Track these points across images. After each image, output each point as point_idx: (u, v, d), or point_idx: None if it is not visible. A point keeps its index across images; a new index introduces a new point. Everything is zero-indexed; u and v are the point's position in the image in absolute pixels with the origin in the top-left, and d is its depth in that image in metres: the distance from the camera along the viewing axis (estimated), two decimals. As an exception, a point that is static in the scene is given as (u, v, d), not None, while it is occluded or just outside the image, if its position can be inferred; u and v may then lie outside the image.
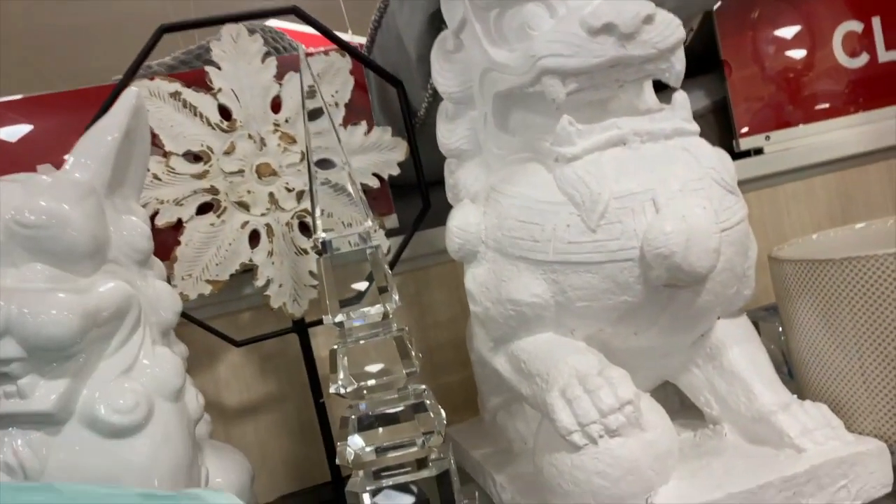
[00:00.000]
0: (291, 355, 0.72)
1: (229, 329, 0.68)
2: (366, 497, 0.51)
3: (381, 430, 0.53)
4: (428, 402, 0.54)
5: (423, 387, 0.56)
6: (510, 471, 0.57)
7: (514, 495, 0.53)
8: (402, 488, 0.52)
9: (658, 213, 0.45)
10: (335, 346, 0.53)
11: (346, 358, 0.53)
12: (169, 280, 0.63)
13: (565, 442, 0.44)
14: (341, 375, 0.53)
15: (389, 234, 0.72)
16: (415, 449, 0.52)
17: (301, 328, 0.67)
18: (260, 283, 0.65)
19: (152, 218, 0.63)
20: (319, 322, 0.67)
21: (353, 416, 0.53)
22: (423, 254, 0.77)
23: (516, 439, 0.60)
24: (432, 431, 0.53)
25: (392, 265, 0.69)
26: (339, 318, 0.53)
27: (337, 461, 0.52)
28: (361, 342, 0.54)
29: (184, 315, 0.65)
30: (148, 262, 0.51)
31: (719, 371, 0.52)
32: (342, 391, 0.52)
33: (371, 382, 0.53)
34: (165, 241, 0.64)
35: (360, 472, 0.55)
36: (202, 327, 0.65)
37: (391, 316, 0.55)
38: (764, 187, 0.87)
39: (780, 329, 0.64)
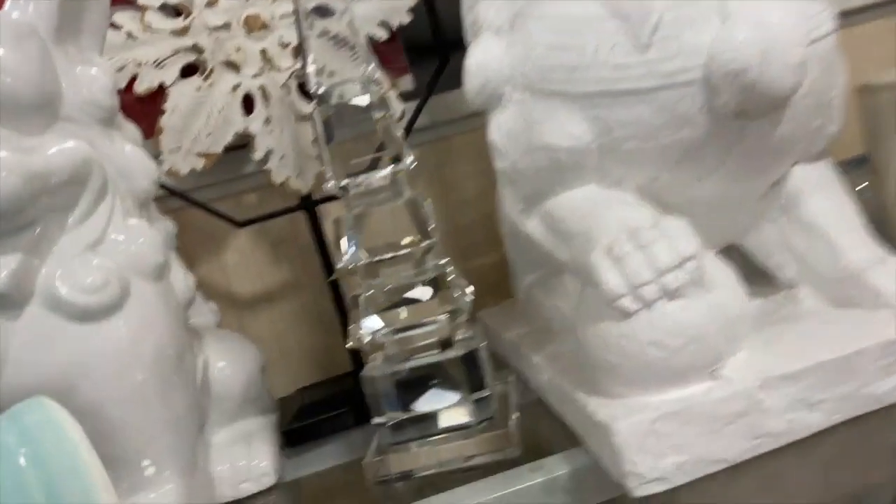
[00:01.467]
0: (303, 239, 0.65)
1: (234, 212, 0.61)
2: (383, 381, 0.46)
3: (397, 309, 0.46)
4: (450, 276, 0.47)
5: (445, 260, 0.49)
6: (548, 350, 0.50)
7: (552, 375, 0.46)
8: (424, 371, 0.46)
9: (726, 21, 0.36)
10: (339, 217, 0.46)
11: (352, 229, 0.46)
12: (157, 156, 0.56)
13: (612, 308, 0.37)
14: (348, 249, 0.46)
15: (404, 97, 0.63)
16: (436, 328, 0.46)
17: (309, 205, 0.61)
18: (258, 154, 0.57)
19: (131, 83, 0.56)
20: (330, 199, 0.60)
21: (365, 295, 0.46)
22: (444, 120, 0.68)
23: (554, 317, 0.53)
24: (457, 309, 0.46)
25: (407, 132, 0.61)
26: (344, 181, 0.46)
27: (348, 344, 0.46)
28: (370, 209, 0.46)
29: (179, 195, 0.58)
30: (113, 121, 0.44)
31: (797, 224, 0.44)
32: (351, 267, 0.46)
33: (384, 256, 0.46)
34: (150, 111, 0.57)
35: (378, 357, 0.49)
36: (198, 207, 0.58)
37: (404, 179, 0.47)
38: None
39: (868, 185, 0.55)
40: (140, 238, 0.41)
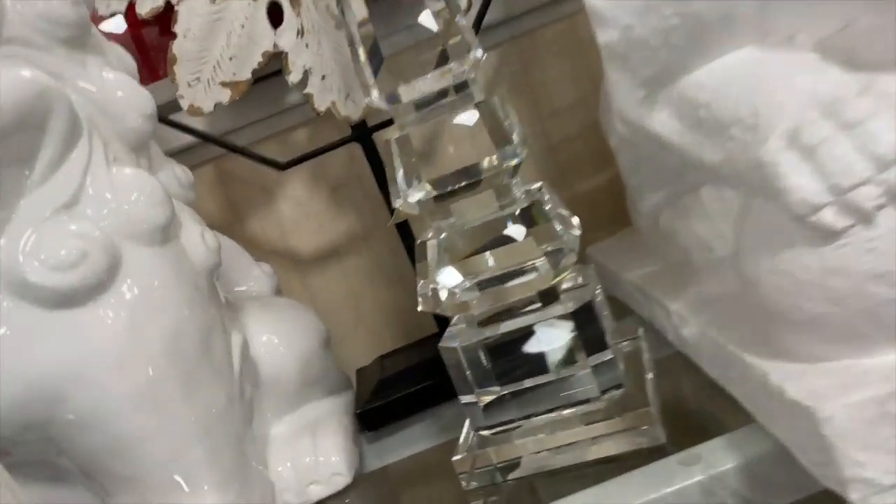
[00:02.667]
0: (368, 179, 0.55)
1: (281, 154, 0.52)
2: (469, 351, 0.35)
3: (480, 255, 0.35)
4: (547, 205, 0.35)
5: (538, 185, 0.37)
6: (690, 295, 0.38)
7: (703, 329, 0.34)
8: (524, 334, 0.35)
9: None
10: (390, 139, 0.35)
11: (408, 153, 0.35)
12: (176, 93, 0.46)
13: (806, 228, 0.24)
14: (405, 179, 0.35)
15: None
16: (534, 276, 0.34)
17: (363, 134, 0.50)
18: (294, 76, 0.47)
19: (131, 7, 0.46)
20: (387, 123, 0.49)
21: (436, 240, 0.36)
22: (523, 10, 0.55)
23: (693, 247, 0.40)
24: (560, 248, 0.35)
25: (477, 27, 0.49)
26: (395, 88, 0.34)
27: (420, 307, 0.36)
28: (432, 125, 0.35)
29: (204, 137, 0.49)
30: (85, 42, 0.34)
31: None
32: (411, 200, 0.35)
33: (455, 186, 0.35)
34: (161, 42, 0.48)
35: (461, 320, 0.38)
36: (231, 150, 0.49)
37: (476, 81, 0.35)
38: None
39: None
40: (133, 192, 0.32)
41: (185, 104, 0.46)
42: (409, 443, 0.44)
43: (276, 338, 0.41)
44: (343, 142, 0.48)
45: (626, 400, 0.34)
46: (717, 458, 0.30)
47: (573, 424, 0.34)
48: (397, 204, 0.35)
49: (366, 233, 0.59)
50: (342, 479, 0.40)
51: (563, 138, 0.59)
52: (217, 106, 0.47)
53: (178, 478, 0.32)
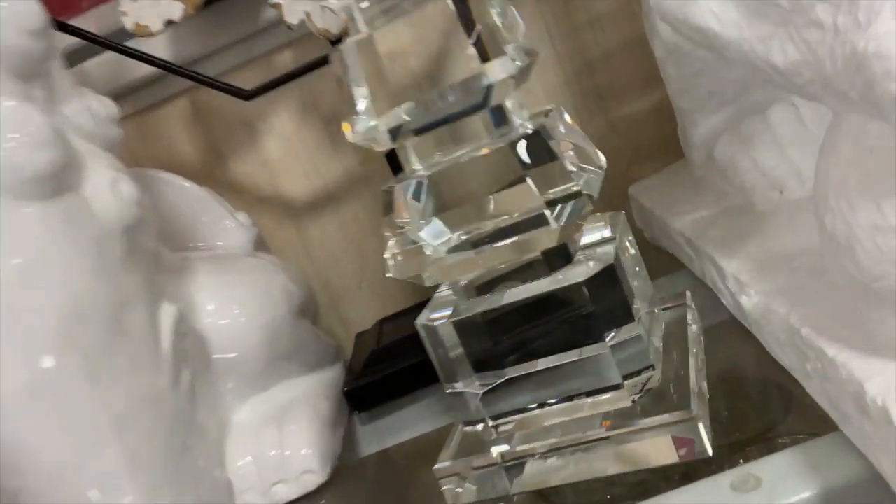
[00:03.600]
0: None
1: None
2: (458, 330, 0.28)
3: (472, 203, 0.27)
4: (559, 134, 0.27)
5: (548, 108, 0.28)
6: (752, 251, 0.29)
7: (768, 301, 0.26)
8: (527, 306, 0.27)
9: None
10: (341, 47, 0.27)
11: (373, 59, 0.27)
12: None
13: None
14: (368, 97, 0.27)
15: None
16: (542, 230, 0.26)
17: (347, 53, 0.41)
18: (258, -17, 0.39)
19: None
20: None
21: (413, 183, 0.28)
22: None
23: (758, 186, 0.32)
24: (575, 193, 0.26)
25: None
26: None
27: (390, 272, 0.28)
28: (397, 21, 0.27)
29: (157, 64, 0.41)
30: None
31: None
32: (376, 128, 0.27)
33: (434, 101, 0.27)
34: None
35: (448, 290, 0.31)
36: (187, 77, 0.41)
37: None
38: None
39: None
40: (8, 132, 0.25)
41: (128, 22, 0.39)
42: (409, 424, 0.38)
43: (232, 306, 0.34)
44: (320, 62, 0.40)
45: (662, 392, 0.26)
46: (785, 483, 0.22)
47: (590, 425, 0.27)
48: (354, 135, 0.27)
49: (366, 173, 0.51)
50: (314, 478, 0.33)
51: (602, 54, 0.49)
52: (169, 24, 0.39)
53: (89, 489, 0.26)
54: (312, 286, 0.44)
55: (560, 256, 0.27)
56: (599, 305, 0.26)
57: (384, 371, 0.40)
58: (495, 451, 0.28)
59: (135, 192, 0.29)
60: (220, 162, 0.51)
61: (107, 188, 0.28)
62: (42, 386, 0.25)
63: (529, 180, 0.26)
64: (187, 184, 0.41)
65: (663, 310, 0.32)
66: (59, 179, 0.26)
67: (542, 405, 0.28)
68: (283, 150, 0.51)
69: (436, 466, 0.28)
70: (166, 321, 0.29)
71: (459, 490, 0.28)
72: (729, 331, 0.31)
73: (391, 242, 0.28)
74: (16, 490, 0.26)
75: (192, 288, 0.33)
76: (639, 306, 0.27)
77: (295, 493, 0.33)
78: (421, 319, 0.29)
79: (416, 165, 0.28)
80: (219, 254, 0.39)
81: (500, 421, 0.29)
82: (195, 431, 0.31)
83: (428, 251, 0.28)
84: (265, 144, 0.51)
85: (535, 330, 0.28)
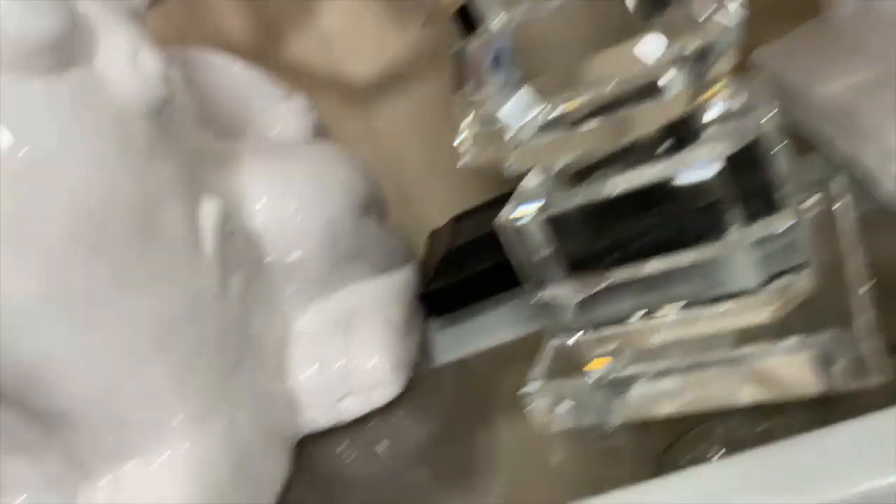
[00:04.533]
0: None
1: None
2: (548, 228, 0.23)
3: (571, 64, 0.22)
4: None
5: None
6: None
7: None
8: (639, 196, 0.21)
9: None
10: None
11: None
12: None
13: None
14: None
15: None
16: (662, 98, 0.20)
17: None
18: None
19: None
20: None
21: (488, 44, 0.22)
22: None
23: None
24: (706, 47, 0.20)
25: None
26: None
27: (464, 159, 0.23)
28: None
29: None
30: None
31: None
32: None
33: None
34: None
35: (535, 176, 0.25)
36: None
37: None
38: None
39: None
40: (-2, -9, 0.20)
41: None
42: (490, 332, 0.34)
43: (289, 201, 0.30)
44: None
45: (813, 301, 0.21)
46: None
47: (716, 342, 0.22)
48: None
49: (438, 50, 0.45)
50: (385, 390, 0.30)
51: None
52: None
53: (133, 411, 0.24)
54: (379, 180, 0.40)
55: (683, 132, 0.21)
56: (734, 192, 0.21)
57: (462, 273, 0.36)
58: (592, 371, 0.23)
59: (160, 66, 0.24)
60: (273, 42, 0.46)
61: (124, 62, 0.23)
62: (66, 297, 0.22)
63: (645, 33, 0.20)
64: (237, 65, 0.37)
65: (807, 199, 0.26)
66: (64, 51, 0.22)
67: (652, 316, 0.24)
68: (345, 23, 0.45)
69: (522, 390, 0.24)
70: (209, 219, 0.26)
71: (549, 415, 0.24)
72: (890, 224, 0.25)
73: (465, 122, 0.23)
74: (52, 412, 0.23)
75: (242, 181, 0.29)
76: (784, 193, 0.21)
77: (365, 408, 0.30)
78: (503, 216, 0.24)
79: (495, 21, 0.23)
80: (272, 143, 0.34)
81: (598, 335, 0.24)
82: (250, 343, 0.28)
83: (511, 131, 0.22)
84: (323, 20, 0.45)
85: (647, 224, 0.23)
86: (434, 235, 0.43)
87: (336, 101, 0.47)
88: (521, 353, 0.30)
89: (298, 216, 0.30)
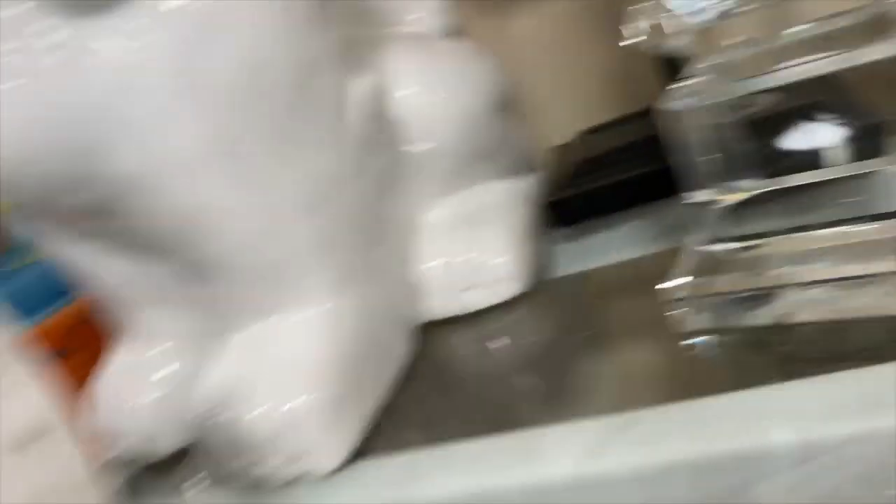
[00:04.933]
0: None
1: None
2: (728, 122, 0.22)
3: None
4: None
5: None
6: None
7: None
8: (822, 92, 0.20)
9: None
10: None
11: None
12: None
13: None
14: None
15: None
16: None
17: None
18: None
19: None
20: None
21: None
22: None
23: None
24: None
25: None
26: None
27: (628, 38, 0.23)
28: None
29: None
30: None
31: None
32: None
33: None
34: None
35: (703, 69, 0.24)
36: None
37: None
38: None
39: None
40: None
41: None
42: (615, 246, 0.33)
43: (431, 90, 0.30)
44: None
45: None
46: None
47: (881, 252, 0.21)
48: None
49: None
50: (510, 286, 0.30)
51: None
52: None
53: (276, 266, 0.25)
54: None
55: (886, 21, 0.20)
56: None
57: (592, 184, 0.35)
58: (738, 275, 0.23)
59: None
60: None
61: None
62: (227, 150, 0.23)
63: None
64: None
65: None
66: None
67: (802, 230, 0.23)
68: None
69: (662, 285, 0.24)
70: (358, 96, 0.26)
71: (688, 315, 0.24)
72: None
73: (637, 7, 0.22)
74: (205, 263, 0.25)
75: (387, 68, 0.29)
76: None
77: (487, 301, 0.30)
78: (666, 102, 0.23)
79: None
80: (415, 34, 0.35)
81: (749, 243, 0.23)
82: (382, 226, 0.28)
83: (682, 18, 0.22)
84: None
85: (809, 134, 0.22)
86: (562, 148, 0.42)
87: (472, 4, 0.46)
88: (641, 272, 0.30)
89: (439, 107, 0.30)
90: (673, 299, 0.24)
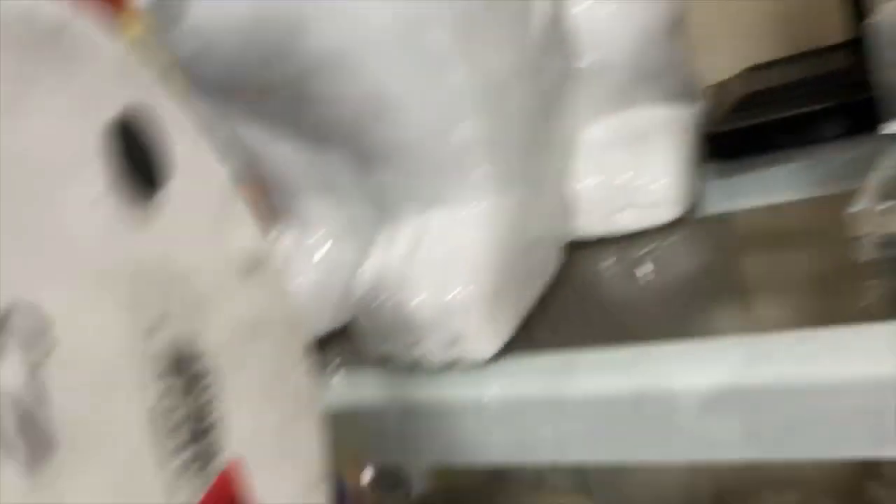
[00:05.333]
0: None
1: None
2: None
3: None
4: None
5: None
6: None
7: None
8: None
9: None
10: None
11: None
12: None
13: None
14: None
15: None
16: None
17: None
18: None
19: None
20: None
21: None
22: None
23: None
24: None
25: None
26: None
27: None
28: None
29: None
30: None
31: None
32: None
33: None
34: None
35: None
36: None
37: None
38: None
39: None
40: None
41: None
42: (770, 187, 0.32)
43: (607, 3, 0.30)
44: None
45: None
46: None
47: None
48: None
49: None
50: (665, 211, 0.30)
51: None
52: None
53: (450, 159, 0.25)
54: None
55: None
56: None
57: (755, 118, 0.34)
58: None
59: None
60: None
61: None
62: (418, 36, 0.23)
63: None
64: None
65: None
66: None
67: None
68: None
69: (852, 209, 0.23)
70: (539, 3, 0.26)
71: (867, 240, 0.23)
72: None
73: None
74: (381, 148, 0.25)
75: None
76: None
77: (639, 224, 0.30)
78: (874, 18, 0.22)
79: None
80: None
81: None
82: (546, 135, 0.29)
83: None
84: None
85: None
86: (724, 83, 0.41)
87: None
88: (795, 218, 0.29)
89: (614, 21, 0.30)
90: (858, 220, 0.23)
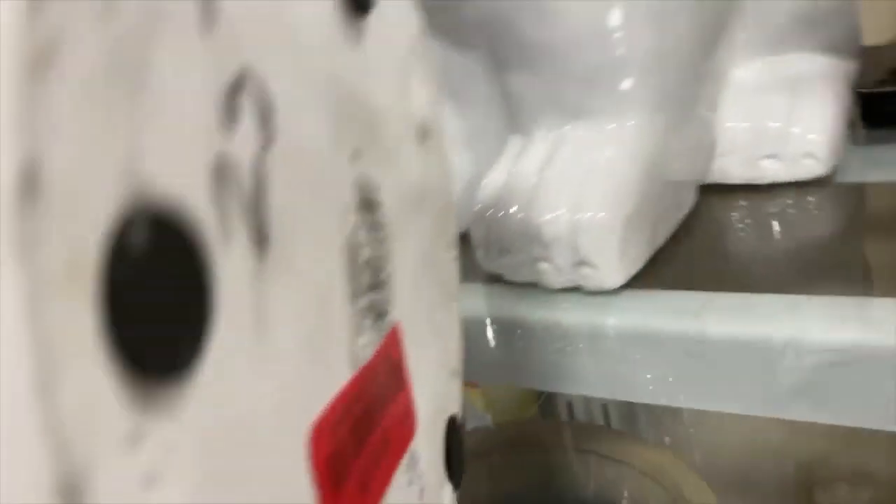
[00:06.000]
0: None
1: None
2: None
3: None
4: None
5: None
6: None
7: None
8: None
9: None
10: None
11: None
12: None
13: None
14: None
15: None
16: None
17: None
18: None
19: None
20: None
21: None
22: None
23: None
24: None
25: None
26: None
27: None
28: None
29: None
30: None
31: None
32: None
33: None
34: None
35: None
36: None
37: None
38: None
39: None
40: None
41: None
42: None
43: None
44: None
45: None
46: None
47: None
48: None
49: None
50: (815, 165, 0.28)
51: None
52: None
53: (601, 69, 0.24)
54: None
55: None
56: None
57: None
58: None
59: None
60: None
61: None
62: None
63: None
64: None
65: None
66: None
67: None
68: None
69: None
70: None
71: None
72: None
73: None
74: (530, 47, 0.24)
75: None
76: None
77: (786, 176, 0.28)
78: None
79: None
80: None
81: None
82: (703, 66, 0.27)
83: None
84: None
85: None
86: (876, 49, 0.38)
87: None
88: None
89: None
90: None
